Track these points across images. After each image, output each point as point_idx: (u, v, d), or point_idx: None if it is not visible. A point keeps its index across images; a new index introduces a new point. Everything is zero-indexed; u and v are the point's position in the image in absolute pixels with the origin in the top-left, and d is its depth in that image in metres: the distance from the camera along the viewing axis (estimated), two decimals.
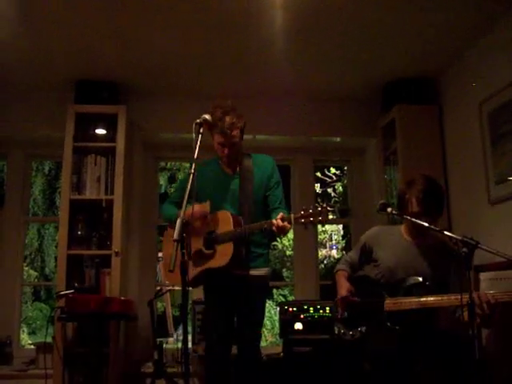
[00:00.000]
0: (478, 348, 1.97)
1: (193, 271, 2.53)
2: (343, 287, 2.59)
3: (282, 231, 2.38)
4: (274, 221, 2.38)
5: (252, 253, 2.63)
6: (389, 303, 2.43)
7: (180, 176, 11.32)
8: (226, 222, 2.55)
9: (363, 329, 2.49)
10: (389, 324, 2.40)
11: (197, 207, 2.50)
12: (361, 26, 3.32)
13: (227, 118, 2.54)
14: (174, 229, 2.66)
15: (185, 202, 2.12)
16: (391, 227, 2.79)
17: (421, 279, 2.43)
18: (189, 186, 2.14)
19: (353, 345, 2.66)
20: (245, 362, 2.65)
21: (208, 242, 2.59)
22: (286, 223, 2.35)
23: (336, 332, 2.61)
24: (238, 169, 2.71)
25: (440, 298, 2.30)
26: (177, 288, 3.62)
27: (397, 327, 2.38)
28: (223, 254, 2.52)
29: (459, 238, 2.07)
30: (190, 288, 3.40)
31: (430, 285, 2.41)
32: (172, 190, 10.83)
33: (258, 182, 2.67)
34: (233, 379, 2.63)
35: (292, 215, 2.33)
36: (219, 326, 2.66)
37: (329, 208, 2.26)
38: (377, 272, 2.62)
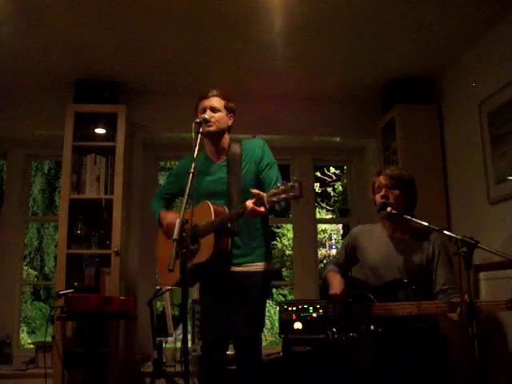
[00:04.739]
0: (477, 348, 1.97)
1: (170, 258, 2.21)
2: (338, 285, 2.53)
3: (254, 213, 2.21)
4: (246, 203, 2.22)
5: (245, 245, 2.52)
6: (377, 309, 2.41)
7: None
8: (206, 213, 2.41)
9: (354, 334, 2.44)
10: (380, 330, 2.37)
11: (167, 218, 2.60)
12: (360, 26, 3.32)
13: (214, 89, 2.61)
14: (161, 228, 2.69)
15: (184, 201, 2.11)
16: (372, 225, 2.78)
17: (406, 280, 2.44)
18: (188, 186, 2.14)
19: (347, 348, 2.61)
20: (239, 364, 2.53)
21: (192, 236, 2.39)
22: (255, 206, 2.17)
23: (330, 337, 2.53)
24: (225, 157, 2.62)
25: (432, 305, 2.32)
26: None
27: (384, 331, 2.36)
28: (206, 248, 2.39)
29: (459, 237, 2.07)
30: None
31: (413, 284, 2.41)
32: None
33: (247, 167, 2.56)
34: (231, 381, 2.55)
35: (264, 194, 2.16)
36: (213, 327, 2.57)
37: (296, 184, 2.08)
38: (363, 272, 2.62)
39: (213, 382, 2.57)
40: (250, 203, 2.20)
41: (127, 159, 4.00)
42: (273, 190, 2.13)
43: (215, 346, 2.56)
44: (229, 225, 2.39)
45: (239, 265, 2.52)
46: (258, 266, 2.54)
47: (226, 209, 2.45)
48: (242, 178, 2.54)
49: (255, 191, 2.21)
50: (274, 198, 2.11)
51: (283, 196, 2.08)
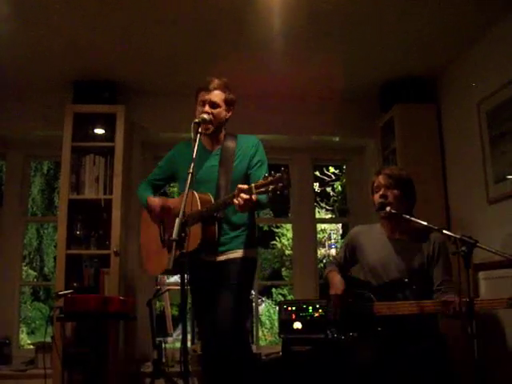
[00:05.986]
0: (477, 348, 1.97)
1: (169, 258, 2.08)
2: (339, 286, 2.55)
3: (242, 206, 2.17)
4: (235, 194, 2.21)
5: (226, 234, 2.50)
6: (377, 308, 2.41)
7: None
8: (193, 202, 2.37)
9: (355, 334, 2.45)
10: (379, 329, 2.37)
11: (156, 201, 2.58)
12: (360, 25, 3.32)
13: (216, 80, 2.59)
14: (148, 212, 2.68)
15: (185, 198, 2.11)
16: (371, 225, 2.78)
17: (406, 280, 2.44)
18: (188, 185, 2.13)
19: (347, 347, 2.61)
20: (220, 359, 2.43)
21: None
22: (243, 195, 2.14)
23: (329, 337, 2.53)
24: (219, 147, 2.62)
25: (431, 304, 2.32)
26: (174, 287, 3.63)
27: (384, 331, 2.36)
28: (193, 237, 2.34)
29: (458, 236, 2.07)
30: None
31: (413, 284, 2.41)
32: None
33: (238, 160, 2.58)
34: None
35: (252, 185, 2.13)
36: (204, 321, 2.54)
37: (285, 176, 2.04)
38: (363, 272, 2.63)
39: (213, 376, 2.55)
40: (239, 193, 2.17)
41: (126, 159, 4.00)
42: (261, 181, 2.11)
43: (211, 341, 2.51)
44: (215, 214, 2.39)
45: (221, 253, 2.51)
46: (238, 253, 2.52)
47: (211, 197, 2.46)
48: (232, 170, 2.54)
49: (240, 186, 2.19)
50: (263, 189, 2.09)
51: (272, 187, 2.05)
